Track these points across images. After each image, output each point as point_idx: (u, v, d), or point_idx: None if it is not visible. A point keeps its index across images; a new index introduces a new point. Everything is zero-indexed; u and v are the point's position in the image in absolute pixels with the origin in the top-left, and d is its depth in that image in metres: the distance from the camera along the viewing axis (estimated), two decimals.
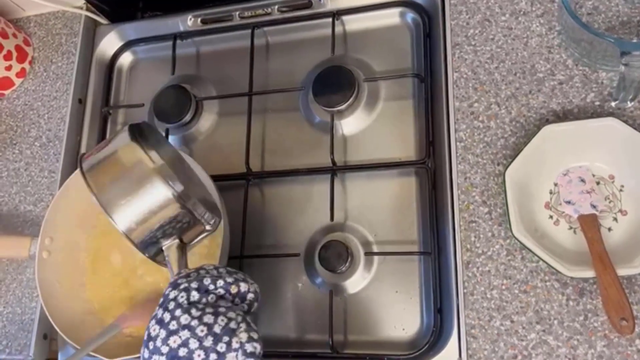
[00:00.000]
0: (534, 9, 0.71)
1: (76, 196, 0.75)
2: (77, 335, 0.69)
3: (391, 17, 0.81)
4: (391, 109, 0.78)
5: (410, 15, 0.80)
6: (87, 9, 0.93)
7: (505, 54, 0.71)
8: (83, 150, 0.87)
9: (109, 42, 0.93)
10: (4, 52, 0.88)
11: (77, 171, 0.74)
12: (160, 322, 0.49)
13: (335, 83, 0.76)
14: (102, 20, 0.94)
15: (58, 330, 0.69)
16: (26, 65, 0.92)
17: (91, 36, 0.93)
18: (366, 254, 0.72)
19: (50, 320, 0.69)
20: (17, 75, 0.92)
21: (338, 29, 0.82)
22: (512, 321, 0.62)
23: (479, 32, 0.73)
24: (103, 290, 0.75)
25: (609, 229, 0.61)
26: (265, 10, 0.86)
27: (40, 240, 0.72)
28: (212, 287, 0.51)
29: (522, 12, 0.72)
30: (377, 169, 0.75)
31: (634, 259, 0.57)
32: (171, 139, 0.84)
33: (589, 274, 0.58)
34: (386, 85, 0.78)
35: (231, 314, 0.49)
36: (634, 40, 0.66)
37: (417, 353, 0.66)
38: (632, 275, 0.59)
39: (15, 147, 0.89)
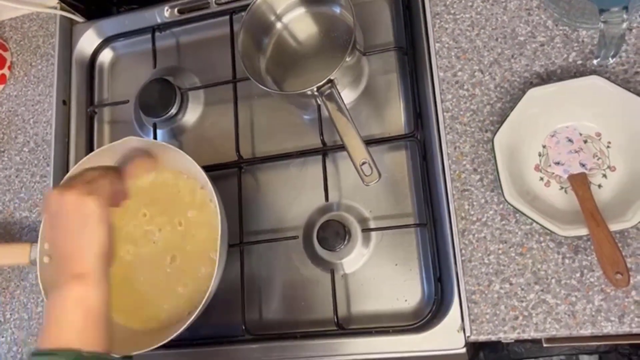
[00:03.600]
0: None
1: None
2: None
3: None
4: (376, 84, 0.78)
5: None
6: (62, 8, 0.91)
7: (485, 20, 0.71)
8: (72, 152, 0.87)
9: (87, 40, 0.92)
10: None
11: (70, 172, 0.74)
12: None
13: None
14: (77, 18, 0.92)
15: None
16: (5, 71, 0.91)
17: (68, 36, 0.92)
18: (363, 230, 0.73)
19: None
20: None
21: None
22: (510, 284, 0.63)
23: (457, 0, 0.72)
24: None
25: (599, 186, 0.62)
26: None
27: (40, 246, 0.72)
28: None
29: None
30: (367, 146, 0.75)
31: (626, 213, 0.58)
32: (159, 133, 0.84)
33: (583, 231, 0.59)
34: (369, 60, 0.78)
35: None
36: None
37: (420, 322, 0.68)
38: (625, 229, 0.60)
39: (3, 154, 0.88)
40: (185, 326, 0.66)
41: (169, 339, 0.65)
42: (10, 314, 0.81)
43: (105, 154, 0.73)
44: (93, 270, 0.55)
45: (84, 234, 0.56)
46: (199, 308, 0.66)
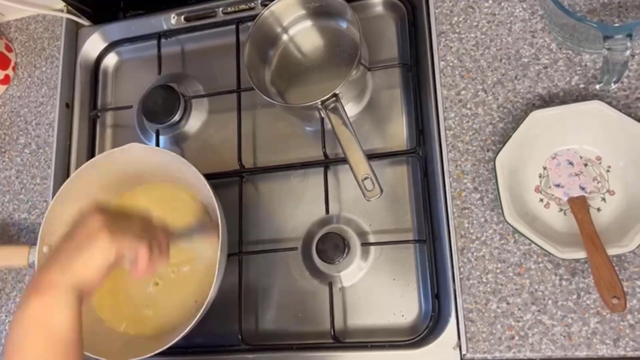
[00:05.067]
0: None
1: (72, 202, 0.75)
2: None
3: (375, 7, 0.81)
4: (380, 99, 0.78)
5: (394, 5, 0.80)
6: (68, 11, 0.91)
7: (490, 40, 0.72)
8: (74, 155, 0.87)
9: (93, 44, 0.92)
10: None
11: (71, 177, 0.74)
12: None
13: None
14: (83, 21, 0.93)
15: None
16: (10, 71, 0.91)
17: (74, 39, 0.92)
18: (362, 244, 0.73)
19: None
20: (1, 82, 0.91)
21: None
22: (508, 303, 0.64)
23: (463, 20, 0.73)
24: (106, 294, 0.75)
25: (598, 210, 0.63)
26: (249, 5, 0.86)
27: (39, 249, 0.72)
28: None
29: None
30: (369, 160, 0.75)
31: (623, 238, 0.59)
32: (162, 139, 0.84)
33: (581, 254, 0.60)
34: (373, 75, 0.79)
35: None
36: (616, 23, 0.67)
37: (417, 338, 0.68)
38: (622, 253, 0.61)
39: (4, 155, 0.88)
40: (183, 334, 0.66)
41: (167, 346, 0.65)
42: (6, 316, 0.81)
43: (109, 159, 0.74)
44: (61, 288, 0.48)
45: (82, 250, 0.51)
46: (197, 316, 0.66)
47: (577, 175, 0.64)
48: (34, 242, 0.75)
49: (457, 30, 0.73)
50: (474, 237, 0.66)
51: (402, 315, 0.70)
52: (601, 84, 0.64)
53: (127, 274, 0.75)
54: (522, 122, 0.64)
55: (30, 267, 0.76)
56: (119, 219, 0.55)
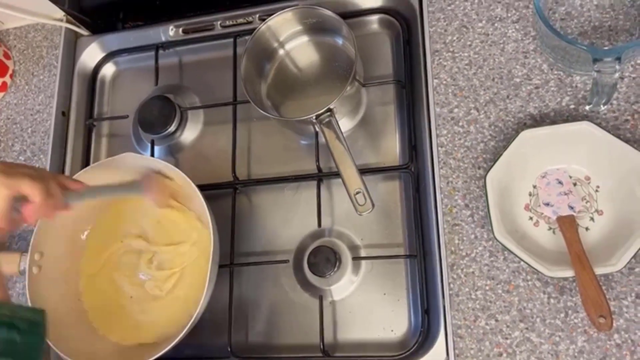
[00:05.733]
0: (509, 15, 0.73)
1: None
2: (70, 348, 0.69)
3: (371, 24, 0.83)
4: (374, 115, 0.79)
5: (390, 23, 0.81)
6: (68, 21, 0.92)
7: (482, 60, 0.73)
8: (68, 163, 0.87)
9: (91, 54, 0.93)
10: None
11: None
12: None
13: None
14: (82, 31, 0.94)
15: (51, 344, 0.69)
16: (7, 79, 0.92)
17: (72, 48, 0.93)
18: (354, 258, 0.73)
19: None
20: None
21: None
22: (496, 320, 0.64)
23: (456, 39, 0.74)
24: (97, 301, 0.76)
25: (587, 229, 0.64)
26: (247, 19, 0.87)
27: (30, 256, 0.72)
28: None
29: (498, 19, 0.74)
30: (362, 175, 0.76)
31: (611, 258, 0.59)
32: (157, 149, 0.85)
33: (569, 273, 0.60)
34: (368, 91, 0.80)
35: None
36: (606, 46, 0.68)
37: (406, 354, 0.68)
38: (609, 272, 0.61)
39: None
40: (173, 343, 0.66)
41: (157, 355, 0.65)
42: None
43: (103, 168, 0.74)
44: None
45: None
46: (187, 327, 0.66)
47: (566, 194, 0.65)
48: (25, 249, 0.75)
49: (451, 49, 0.74)
50: (464, 254, 0.67)
51: (392, 330, 0.71)
52: (591, 105, 0.65)
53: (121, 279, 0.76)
54: (513, 141, 0.65)
55: (21, 275, 0.76)
56: (15, 165, 0.61)
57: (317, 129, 0.73)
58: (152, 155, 0.83)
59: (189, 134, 0.86)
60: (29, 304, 0.70)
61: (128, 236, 0.78)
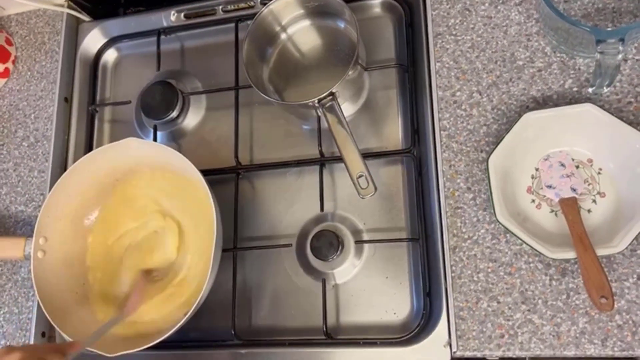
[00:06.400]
0: None
1: (68, 195, 0.76)
2: (75, 332, 0.70)
3: (373, 7, 0.82)
4: (376, 99, 0.79)
5: (392, 6, 0.81)
6: (69, 7, 0.92)
7: (485, 43, 0.72)
8: (71, 149, 0.88)
9: (93, 40, 0.93)
10: None
11: (69, 170, 0.75)
12: None
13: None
14: (84, 17, 0.93)
15: (56, 327, 0.70)
16: (9, 65, 0.92)
17: (74, 34, 0.93)
18: (356, 242, 0.74)
19: (49, 318, 0.70)
20: (1, 75, 0.91)
21: None
22: (498, 302, 0.64)
23: (459, 22, 0.74)
24: (101, 285, 0.76)
25: (589, 211, 0.64)
26: (248, 3, 0.86)
27: (35, 241, 0.73)
28: None
29: (501, 1, 0.73)
30: (364, 159, 0.76)
31: (613, 239, 0.60)
32: (159, 135, 0.85)
33: (571, 255, 0.61)
34: (370, 75, 0.80)
35: None
36: (609, 28, 0.68)
37: (408, 336, 0.69)
38: (611, 254, 0.62)
39: (2, 147, 0.89)
40: (176, 327, 0.66)
41: (160, 339, 0.66)
42: (0, 307, 0.81)
43: (106, 153, 0.74)
44: None
45: None
46: (191, 311, 0.67)
47: (568, 176, 0.65)
48: (30, 234, 0.76)
49: (454, 32, 0.74)
50: (466, 237, 0.67)
51: (394, 313, 0.71)
52: (594, 88, 0.65)
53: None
54: (515, 124, 0.65)
55: (26, 259, 0.76)
56: (3, 354, 0.58)
57: (320, 113, 0.73)
58: (155, 140, 0.83)
59: (192, 120, 0.86)
60: (34, 288, 0.71)
61: (147, 212, 0.78)
